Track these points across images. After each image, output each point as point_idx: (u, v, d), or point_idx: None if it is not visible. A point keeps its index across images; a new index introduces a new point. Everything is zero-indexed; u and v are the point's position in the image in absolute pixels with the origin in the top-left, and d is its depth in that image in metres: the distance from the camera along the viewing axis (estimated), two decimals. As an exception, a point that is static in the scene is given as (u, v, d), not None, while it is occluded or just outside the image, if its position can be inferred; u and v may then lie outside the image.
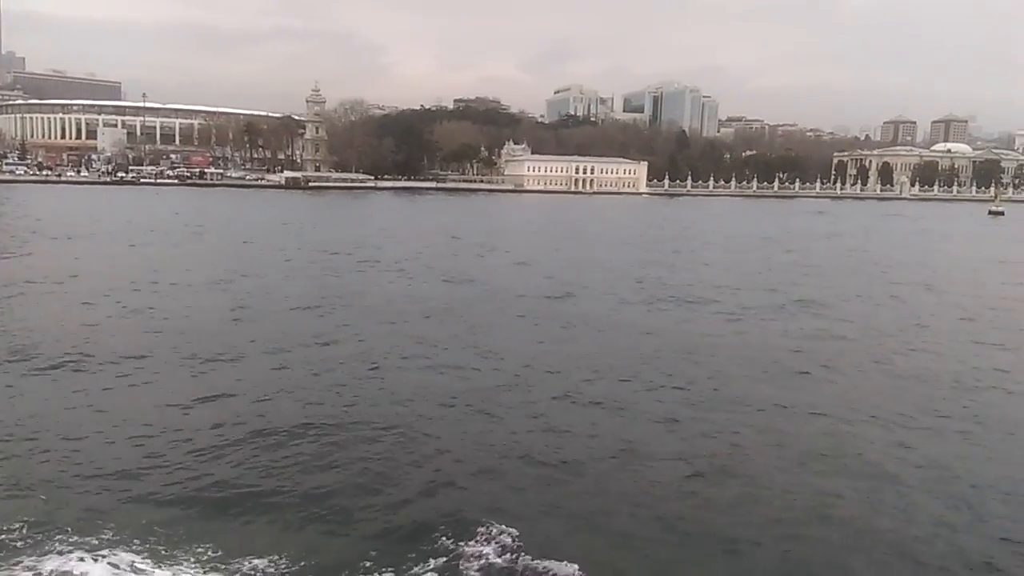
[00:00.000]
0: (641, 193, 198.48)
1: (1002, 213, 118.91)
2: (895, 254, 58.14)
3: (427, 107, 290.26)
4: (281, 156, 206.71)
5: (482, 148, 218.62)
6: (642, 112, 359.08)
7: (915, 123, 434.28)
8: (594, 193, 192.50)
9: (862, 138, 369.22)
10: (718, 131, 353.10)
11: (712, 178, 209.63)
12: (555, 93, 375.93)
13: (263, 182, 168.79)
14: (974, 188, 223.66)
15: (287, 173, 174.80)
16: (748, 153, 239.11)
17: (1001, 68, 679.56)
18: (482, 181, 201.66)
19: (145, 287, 33.47)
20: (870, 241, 69.10)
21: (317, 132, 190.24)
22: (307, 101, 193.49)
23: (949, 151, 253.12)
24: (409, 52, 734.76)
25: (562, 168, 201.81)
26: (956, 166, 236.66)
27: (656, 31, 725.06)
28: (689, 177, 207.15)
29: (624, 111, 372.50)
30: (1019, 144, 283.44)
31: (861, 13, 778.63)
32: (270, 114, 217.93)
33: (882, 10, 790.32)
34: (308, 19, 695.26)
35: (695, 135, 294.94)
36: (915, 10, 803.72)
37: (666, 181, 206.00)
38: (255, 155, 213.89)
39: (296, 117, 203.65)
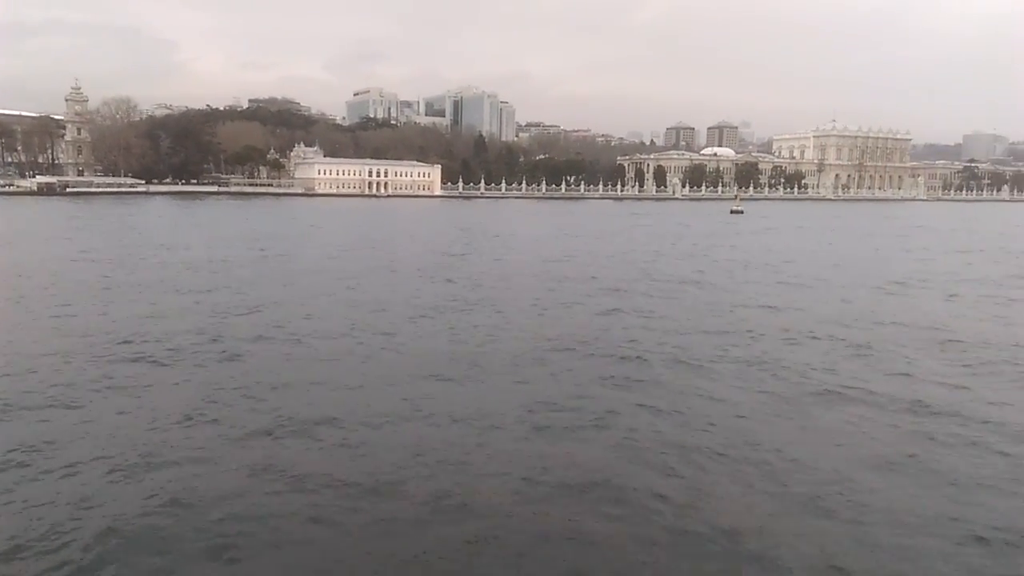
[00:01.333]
0: (435, 196, 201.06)
1: (742, 212, 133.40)
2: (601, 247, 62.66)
3: (214, 107, 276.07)
4: (42, 160, 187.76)
5: (271, 150, 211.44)
6: (444, 116, 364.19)
7: (694, 129, 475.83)
8: (389, 196, 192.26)
9: (647, 143, 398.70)
10: (517, 136, 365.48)
11: (505, 181, 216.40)
12: (355, 95, 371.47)
13: (11, 188, 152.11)
14: (736, 188, 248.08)
15: (40, 178, 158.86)
16: (539, 157, 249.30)
17: (773, 78, 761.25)
18: (270, 185, 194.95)
19: None
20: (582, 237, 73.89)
21: (79, 133, 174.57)
22: (66, 100, 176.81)
23: (716, 155, 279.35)
24: (204, 49, 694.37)
25: (355, 171, 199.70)
26: (721, 168, 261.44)
27: (464, 36, 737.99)
28: (482, 180, 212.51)
29: (427, 115, 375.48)
30: (776, 147, 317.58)
31: (652, 25, 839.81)
32: (24, 114, 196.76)
33: (672, 22, 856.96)
34: (90, 11, 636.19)
35: (494, 139, 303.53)
36: (701, 23, 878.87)
37: (460, 184, 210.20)
38: (9, 159, 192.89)
39: (55, 117, 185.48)
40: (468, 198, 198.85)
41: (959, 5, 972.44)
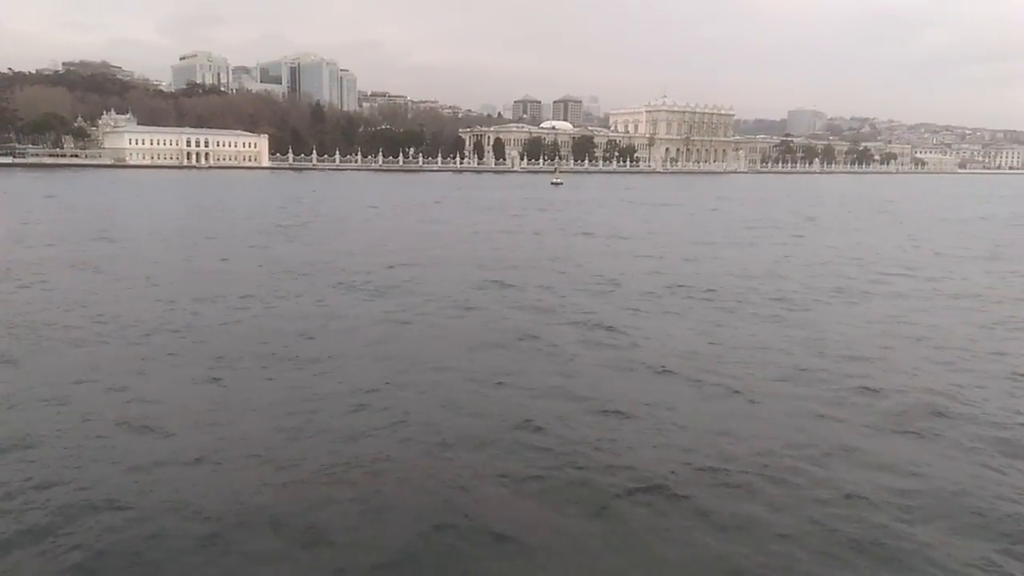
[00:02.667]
0: (263, 167, 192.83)
1: (561, 184, 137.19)
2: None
3: (17, 71, 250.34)
4: None
5: (79, 118, 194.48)
6: (281, 84, 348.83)
7: (540, 103, 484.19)
8: (210, 168, 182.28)
9: (495, 116, 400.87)
10: (360, 106, 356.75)
11: (339, 152, 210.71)
12: (181, 59, 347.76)
13: None
14: (572, 161, 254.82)
15: None
16: (377, 128, 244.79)
17: (621, 53, 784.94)
18: (75, 156, 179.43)
19: None
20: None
21: None
22: None
23: (554, 128, 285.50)
24: (20, 4, 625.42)
25: (172, 140, 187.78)
26: (560, 142, 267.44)
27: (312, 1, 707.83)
28: (315, 151, 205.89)
29: (263, 82, 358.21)
30: (612, 122, 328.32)
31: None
32: None
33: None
34: None
35: (333, 109, 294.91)
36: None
37: (290, 155, 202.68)
38: None
39: None
40: (300, 170, 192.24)
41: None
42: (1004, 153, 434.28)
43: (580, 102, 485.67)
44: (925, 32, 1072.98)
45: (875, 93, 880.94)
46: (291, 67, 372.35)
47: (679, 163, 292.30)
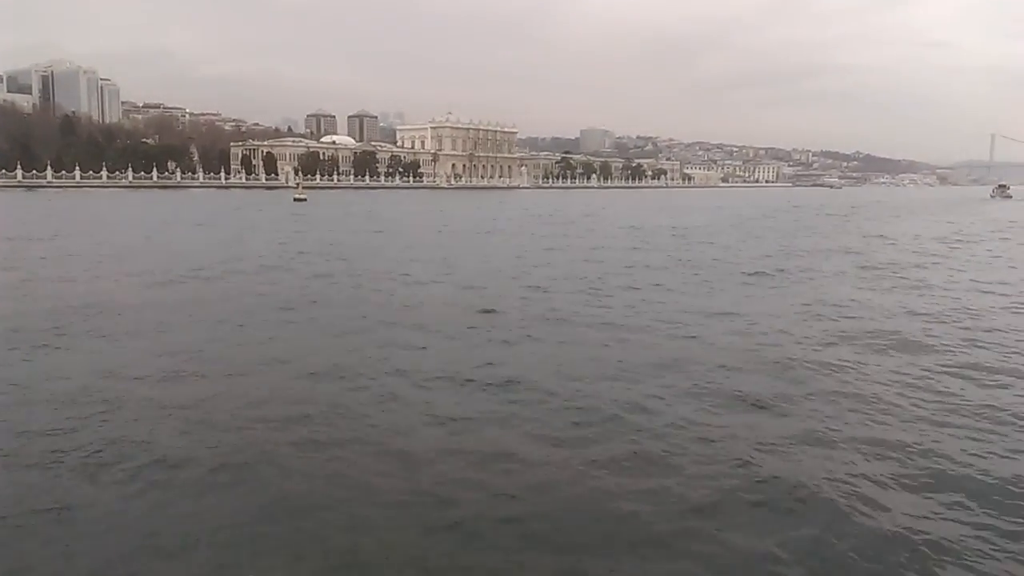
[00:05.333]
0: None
1: (305, 199, 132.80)
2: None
3: None
4: None
5: None
6: (31, 93, 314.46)
7: (334, 117, 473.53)
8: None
9: (285, 130, 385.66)
10: (127, 117, 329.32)
11: (89, 168, 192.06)
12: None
13: None
14: (353, 177, 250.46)
15: None
16: (137, 141, 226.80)
17: (426, 70, 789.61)
18: None
19: None
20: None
21: None
22: None
23: (334, 143, 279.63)
24: None
25: None
26: (340, 156, 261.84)
27: (91, 4, 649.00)
28: (50, 167, 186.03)
29: (10, 92, 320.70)
30: (399, 137, 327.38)
31: (304, 9, 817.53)
32: None
33: (324, 7, 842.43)
34: None
35: (92, 122, 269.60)
36: (356, 10, 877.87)
37: (19, 172, 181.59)
38: None
39: None
40: (32, 188, 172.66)
41: (587, 11, 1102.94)
42: (761, 168, 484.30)
43: (376, 117, 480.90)
44: (701, 58, 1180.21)
45: (659, 114, 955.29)
46: (43, 75, 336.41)
47: (463, 179, 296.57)
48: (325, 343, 19.42)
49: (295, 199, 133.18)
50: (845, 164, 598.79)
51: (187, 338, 19.54)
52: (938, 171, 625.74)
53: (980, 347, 18.94)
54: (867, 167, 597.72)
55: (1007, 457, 11.56)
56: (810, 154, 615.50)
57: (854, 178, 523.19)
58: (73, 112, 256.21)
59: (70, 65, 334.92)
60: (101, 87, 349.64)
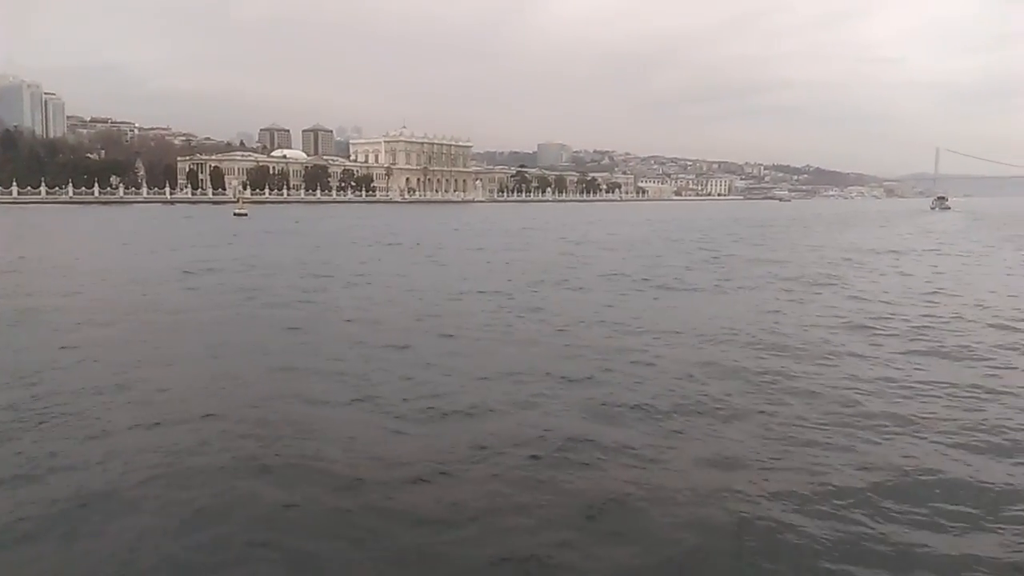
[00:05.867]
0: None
1: (246, 215, 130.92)
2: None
3: None
4: None
5: None
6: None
7: (288, 131, 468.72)
8: None
9: (237, 143, 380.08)
10: (73, 132, 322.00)
11: (26, 184, 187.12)
12: None
13: None
14: (303, 191, 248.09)
15: None
16: (81, 156, 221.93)
17: (383, 86, 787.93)
18: None
19: None
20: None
21: None
22: None
23: (285, 157, 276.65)
24: None
25: None
26: (291, 171, 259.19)
27: (48, 23, 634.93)
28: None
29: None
30: (353, 152, 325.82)
31: (257, 24, 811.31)
32: None
33: (277, 23, 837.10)
34: None
35: (36, 137, 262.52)
36: (309, 27, 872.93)
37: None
38: None
39: None
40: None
41: (544, 28, 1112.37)
42: (712, 181, 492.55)
43: (331, 131, 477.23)
44: (656, 74, 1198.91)
45: (616, 128, 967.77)
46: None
47: (418, 193, 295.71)
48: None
49: (235, 214, 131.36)
50: (796, 177, 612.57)
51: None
52: (885, 184, 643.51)
53: (848, 354, 19.29)
54: (817, 180, 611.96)
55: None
56: (762, 167, 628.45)
57: (804, 191, 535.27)
58: (15, 126, 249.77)
59: (13, 79, 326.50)
60: (45, 101, 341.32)
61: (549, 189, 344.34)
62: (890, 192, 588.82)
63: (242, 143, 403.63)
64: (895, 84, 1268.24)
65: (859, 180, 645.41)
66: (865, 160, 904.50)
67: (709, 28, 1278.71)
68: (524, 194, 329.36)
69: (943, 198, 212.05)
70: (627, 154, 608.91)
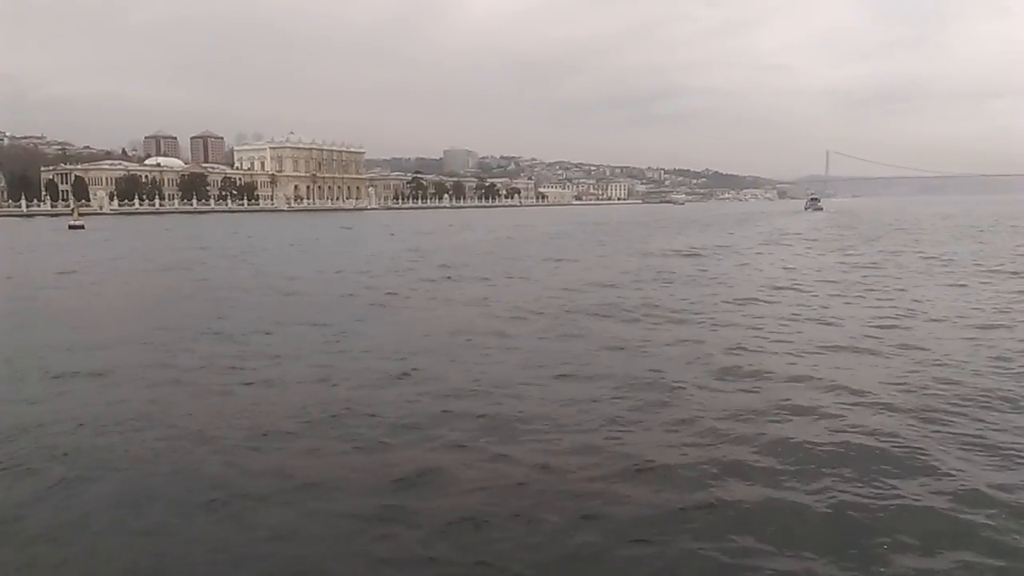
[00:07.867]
0: None
1: (82, 227, 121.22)
2: None
3: None
4: None
5: None
6: None
7: (176, 139, 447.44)
8: None
9: (119, 152, 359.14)
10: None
11: None
12: None
13: None
14: (178, 201, 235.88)
15: None
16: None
17: (288, 90, 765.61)
18: None
19: None
20: None
21: None
22: None
23: (159, 165, 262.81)
24: None
25: None
26: (165, 179, 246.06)
27: None
28: None
29: None
30: (237, 159, 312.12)
31: (155, 28, 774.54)
32: None
33: (177, 26, 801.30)
34: None
35: None
36: (211, 30, 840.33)
37: None
38: None
39: None
40: None
41: (451, 32, 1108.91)
42: (614, 186, 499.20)
43: (221, 138, 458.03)
44: (563, 80, 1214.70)
45: (523, 134, 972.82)
46: None
47: (306, 201, 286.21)
48: None
49: (70, 227, 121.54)
50: (695, 181, 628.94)
51: None
52: (779, 186, 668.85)
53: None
54: (715, 184, 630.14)
55: None
56: (662, 172, 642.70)
57: (701, 194, 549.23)
58: None
59: None
60: None
61: (447, 196, 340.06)
62: (783, 194, 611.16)
63: (124, 152, 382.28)
64: (789, 91, 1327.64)
65: (755, 183, 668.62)
66: (761, 164, 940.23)
67: (614, 35, 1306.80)
68: (421, 201, 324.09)
69: (816, 199, 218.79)
70: (534, 159, 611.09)
